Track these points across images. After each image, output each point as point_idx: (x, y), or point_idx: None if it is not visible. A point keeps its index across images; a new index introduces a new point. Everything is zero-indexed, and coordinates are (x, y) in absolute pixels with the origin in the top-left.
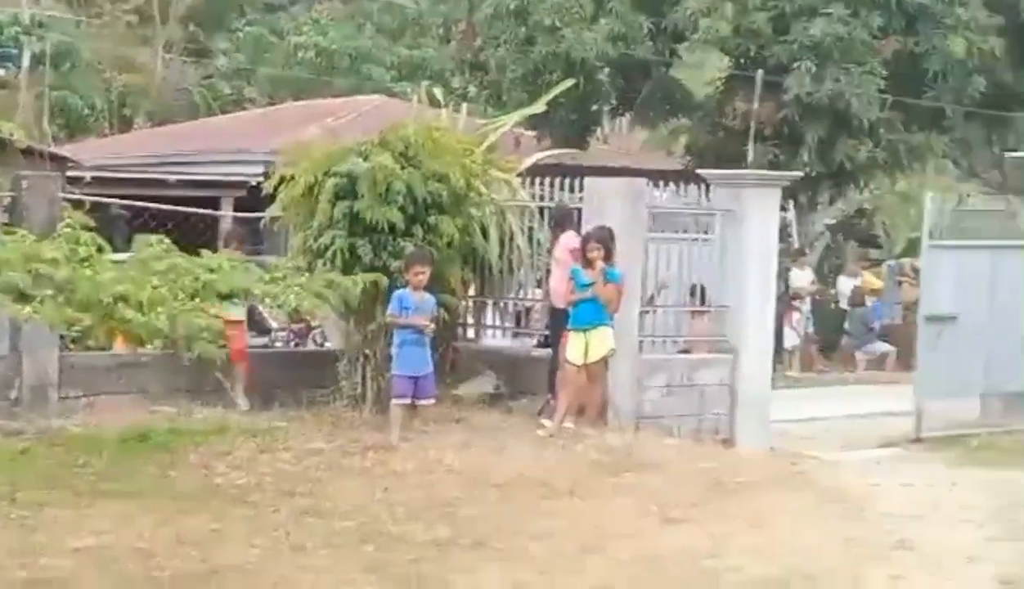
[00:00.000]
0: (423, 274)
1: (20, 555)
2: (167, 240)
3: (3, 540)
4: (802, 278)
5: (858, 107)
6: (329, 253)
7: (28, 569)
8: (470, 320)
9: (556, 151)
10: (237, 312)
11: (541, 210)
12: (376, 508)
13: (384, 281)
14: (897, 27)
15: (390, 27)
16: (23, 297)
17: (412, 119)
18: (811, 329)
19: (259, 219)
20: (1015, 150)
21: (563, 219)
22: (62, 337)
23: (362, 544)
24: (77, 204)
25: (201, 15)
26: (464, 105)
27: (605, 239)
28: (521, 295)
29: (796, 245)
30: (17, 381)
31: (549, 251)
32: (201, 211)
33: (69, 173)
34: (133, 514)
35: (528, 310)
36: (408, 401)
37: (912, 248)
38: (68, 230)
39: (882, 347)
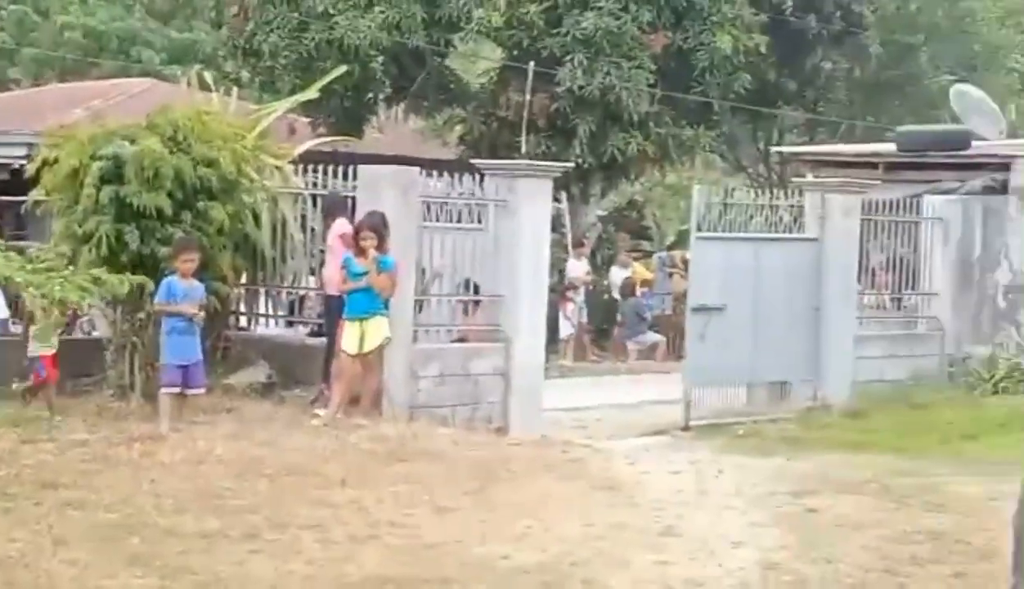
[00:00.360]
0: (191, 261)
1: None
2: None
3: None
4: (578, 268)
5: (628, 101)
6: (94, 239)
7: None
8: (242, 308)
9: (330, 139)
10: (51, 347)
11: (315, 198)
12: (143, 500)
13: (150, 285)
14: (666, 22)
15: (161, 9)
16: None
17: (181, 103)
18: (585, 319)
19: (21, 203)
20: (780, 144)
21: (335, 207)
22: None
23: (128, 537)
24: None
25: None
26: (236, 90)
27: (377, 226)
28: (295, 283)
29: (569, 236)
30: None
31: (323, 239)
32: None
33: None
34: None
35: (303, 299)
36: (177, 390)
37: (682, 240)
38: None
39: (653, 337)
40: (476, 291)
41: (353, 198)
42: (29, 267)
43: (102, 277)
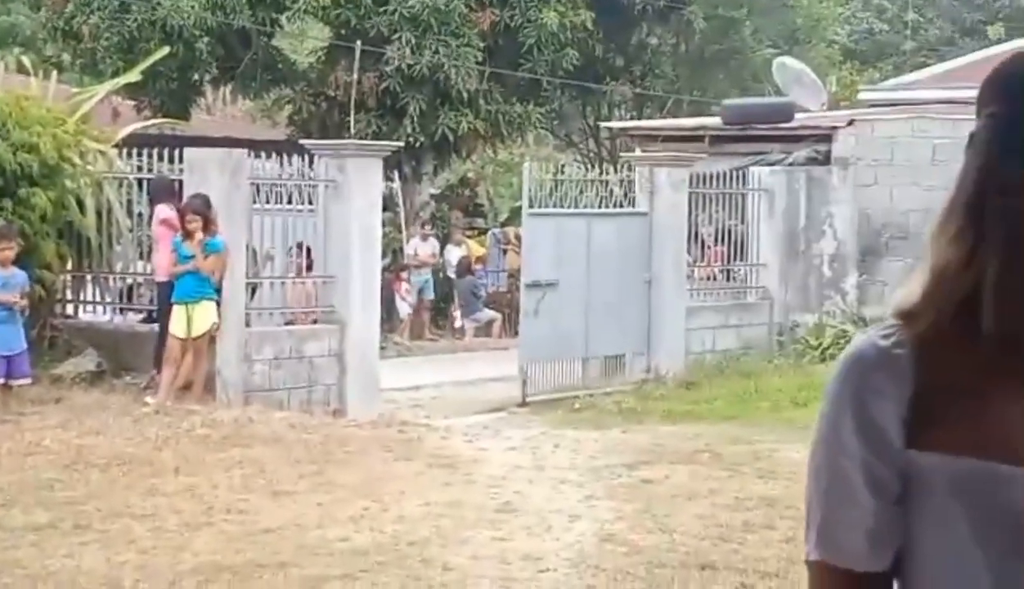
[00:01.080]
0: (8, 249)
1: None
2: None
3: None
4: (424, 248)
5: (457, 78)
6: None
7: None
8: (69, 296)
9: (155, 121)
10: None
11: (141, 182)
12: None
13: None
14: (493, 0)
15: None
16: None
17: None
18: (431, 296)
19: None
20: (608, 120)
21: (160, 192)
22: None
23: None
24: None
25: None
26: (56, 74)
27: (201, 209)
28: (125, 270)
29: (402, 215)
30: None
31: (149, 224)
32: None
33: None
34: None
35: (132, 285)
36: (1, 382)
37: (515, 216)
38: None
39: (488, 314)
40: (309, 253)
41: (180, 182)
42: None
43: None
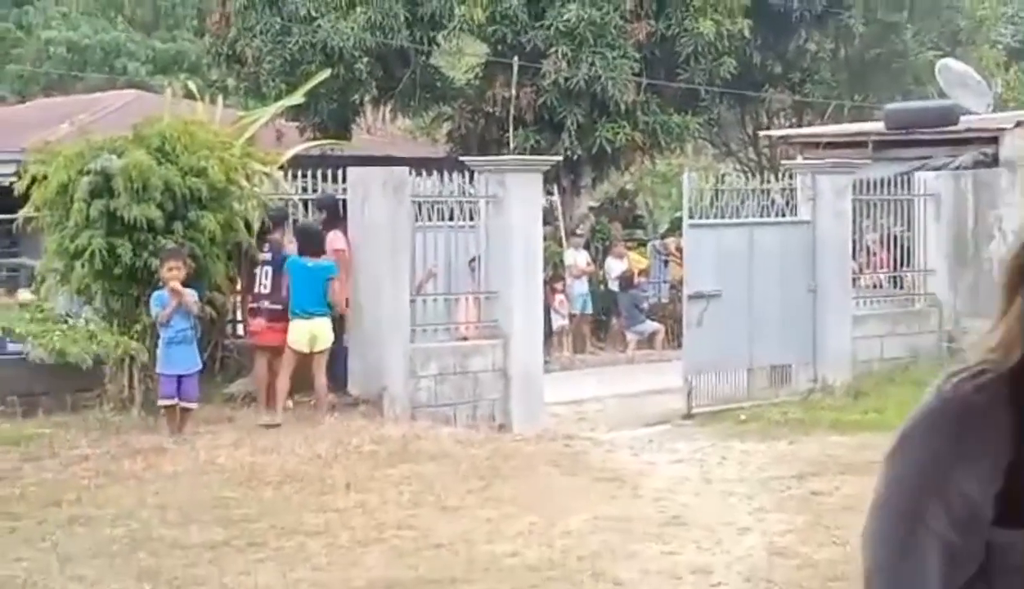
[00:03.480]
0: (177, 269)
1: None
2: None
3: None
4: (579, 258)
5: (614, 90)
6: (87, 254)
7: None
8: (238, 317)
9: (318, 142)
10: None
11: (306, 203)
12: (147, 513)
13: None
14: (649, 10)
15: (143, 20)
16: None
17: (168, 114)
18: (589, 310)
19: (12, 221)
20: (767, 128)
21: (328, 217)
22: None
23: (134, 551)
24: None
25: None
26: (221, 98)
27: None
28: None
29: (562, 228)
30: None
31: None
32: None
33: None
34: None
35: None
36: (174, 401)
37: (675, 227)
38: None
39: (651, 326)
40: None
41: (344, 200)
42: (28, 317)
43: (98, 335)
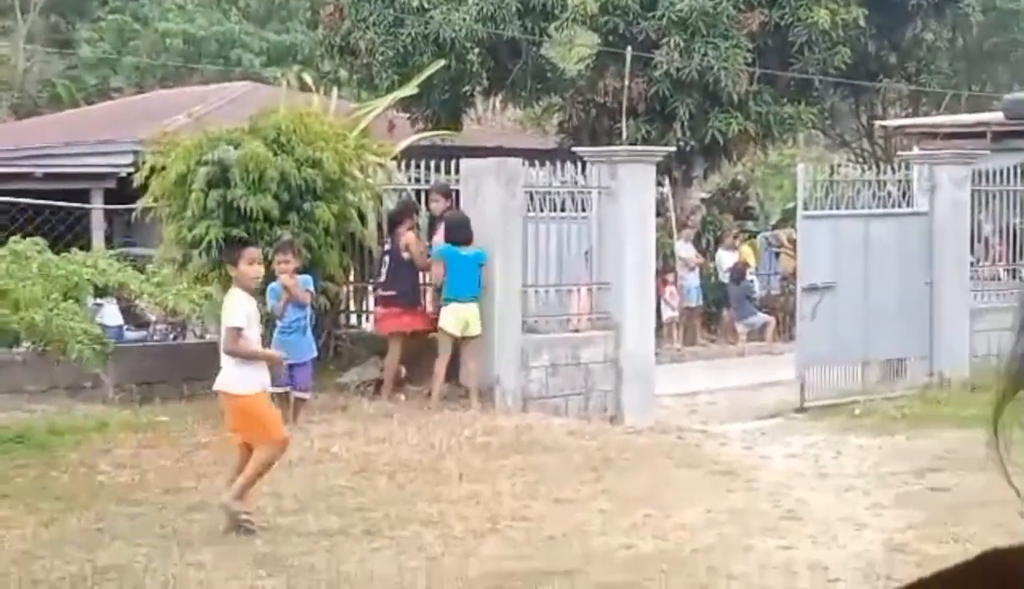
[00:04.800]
0: (286, 262)
1: None
2: (39, 237)
3: None
4: (689, 250)
5: (726, 81)
6: (204, 243)
7: None
8: (351, 306)
9: (430, 133)
10: None
11: (419, 193)
12: (264, 501)
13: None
14: (762, 0)
15: (257, 12)
16: None
17: (282, 105)
18: (701, 302)
19: (130, 211)
20: (882, 118)
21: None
22: None
23: (251, 538)
24: None
25: (63, 5)
26: (335, 89)
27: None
28: None
29: (673, 220)
30: None
31: (430, 236)
32: (70, 205)
33: None
34: (15, 516)
35: None
36: (286, 389)
37: (787, 219)
38: None
39: (762, 318)
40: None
41: (456, 191)
42: (143, 277)
43: (212, 295)
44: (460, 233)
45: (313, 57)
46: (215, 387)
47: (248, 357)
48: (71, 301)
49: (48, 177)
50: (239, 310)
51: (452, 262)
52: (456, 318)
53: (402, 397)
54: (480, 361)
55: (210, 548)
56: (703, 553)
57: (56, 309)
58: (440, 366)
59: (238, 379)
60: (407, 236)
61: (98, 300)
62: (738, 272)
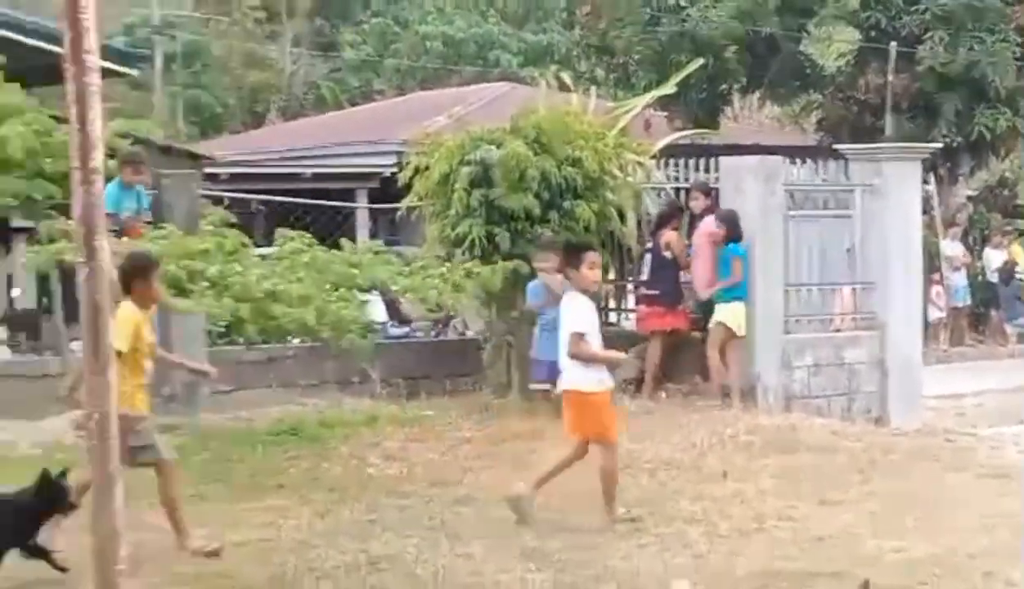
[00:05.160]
0: (546, 262)
1: (182, 550)
2: (307, 234)
3: (166, 537)
4: (956, 249)
5: (994, 76)
6: (467, 242)
7: (191, 564)
8: (612, 304)
9: (689, 132)
10: None
11: (678, 192)
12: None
13: (523, 268)
14: None
15: (515, 13)
16: (181, 292)
17: (542, 104)
18: (968, 301)
19: (394, 210)
20: None
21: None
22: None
23: (518, 532)
24: (216, 200)
25: (327, 9)
26: (593, 88)
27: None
28: None
29: (938, 218)
30: (169, 378)
31: (689, 235)
32: (338, 203)
33: (206, 170)
34: (290, 507)
35: None
36: (546, 386)
37: None
38: (210, 226)
39: None
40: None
41: (715, 189)
42: (405, 270)
43: (475, 269)
44: (739, 230)
45: (569, 57)
46: (562, 387)
47: (592, 360)
48: (341, 291)
49: (316, 177)
50: (584, 315)
51: (746, 261)
52: (737, 316)
53: (663, 395)
54: (741, 360)
55: (479, 540)
56: (979, 558)
57: (327, 301)
58: (718, 360)
59: (585, 378)
60: (669, 235)
61: (364, 297)
62: (1006, 272)
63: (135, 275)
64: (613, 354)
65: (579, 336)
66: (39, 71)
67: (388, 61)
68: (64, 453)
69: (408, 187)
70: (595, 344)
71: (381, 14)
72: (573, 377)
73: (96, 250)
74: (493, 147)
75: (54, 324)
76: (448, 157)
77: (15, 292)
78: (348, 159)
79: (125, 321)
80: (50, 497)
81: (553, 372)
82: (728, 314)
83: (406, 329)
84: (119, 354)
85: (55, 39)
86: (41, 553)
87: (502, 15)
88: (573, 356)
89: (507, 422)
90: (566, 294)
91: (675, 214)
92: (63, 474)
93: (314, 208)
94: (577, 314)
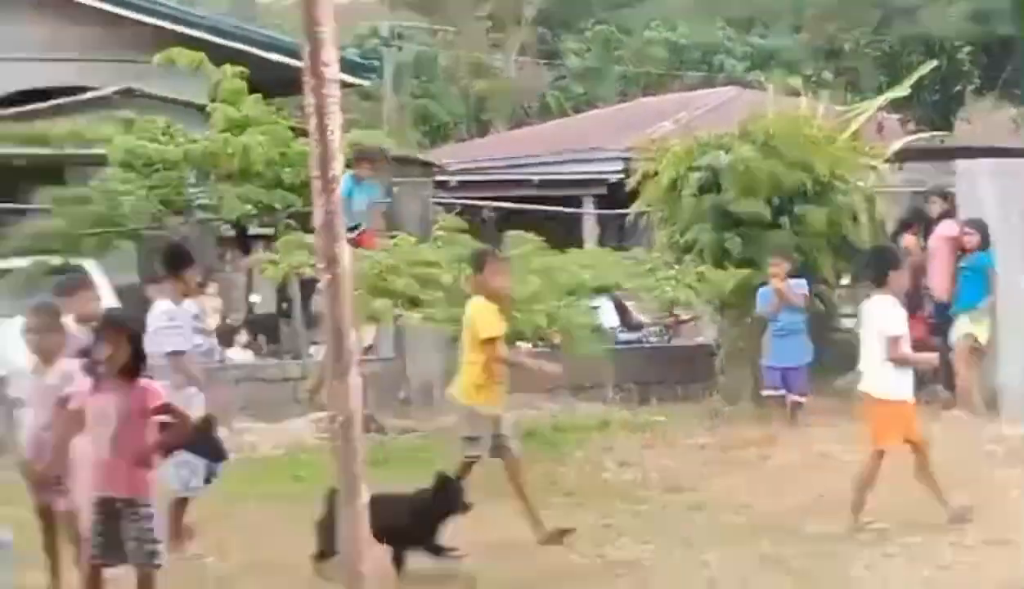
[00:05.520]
0: (776, 267)
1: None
2: (538, 239)
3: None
4: None
5: None
6: (696, 248)
7: (439, 565)
8: (846, 310)
9: (923, 134)
10: None
11: (914, 194)
12: (763, 502)
13: (755, 277)
14: None
15: (740, 18)
16: (412, 302)
17: (770, 109)
18: None
19: (622, 216)
20: None
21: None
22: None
23: (755, 539)
24: (447, 207)
25: (550, 18)
26: (822, 92)
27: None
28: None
29: None
30: (404, 382)
31: (925, 238)
32: (567, 210)
33: (436, 178)
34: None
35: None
36: (778, 393)
37: None
38: (443, 233)
39: None
40: None
41: (952, 193)
42: (635, 270)
43: (706, 273)
44: (989, 238)
45: (795, 60)
46: (870, 392)
47: (910, 363)
48: (572, 297)
49: (543, 184)
50: (897, 319)
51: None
52: (983, 326)
53: None
54: (984, 369)
55: (714, 548)
56: None
57: (559, 306)
58: (966, 371)
59: (897, 385)
60: (907, 239)
61: (596, 301)
62: None
63: (480, 269)
64: (927, 356)
65: (896, 339)
66: (274, 83)
67: (612, 68)
68: (306, 454)
69: (635, 193)
70: (907, 347)
71: (604, 21)
72: (882, 383)
73: (336, 257)
74: (722, 152)
75: (293, 328)
76: (676, 163)
77: (254, 297)
78: (574, 166)
79: (486, 310)
80: (447, 497)
81: (786, 379)
82: (975, 325)
83: (637, 334)
84: (491, 341)
85: (292, 53)
86: (441, 551)
87: (728, 20)
88: (894, 360)
89: (739, 429)
90: (873, 297)
91: (918, 220)
92: (459, 476)
93: (543, 214)
94: (889, 317)
